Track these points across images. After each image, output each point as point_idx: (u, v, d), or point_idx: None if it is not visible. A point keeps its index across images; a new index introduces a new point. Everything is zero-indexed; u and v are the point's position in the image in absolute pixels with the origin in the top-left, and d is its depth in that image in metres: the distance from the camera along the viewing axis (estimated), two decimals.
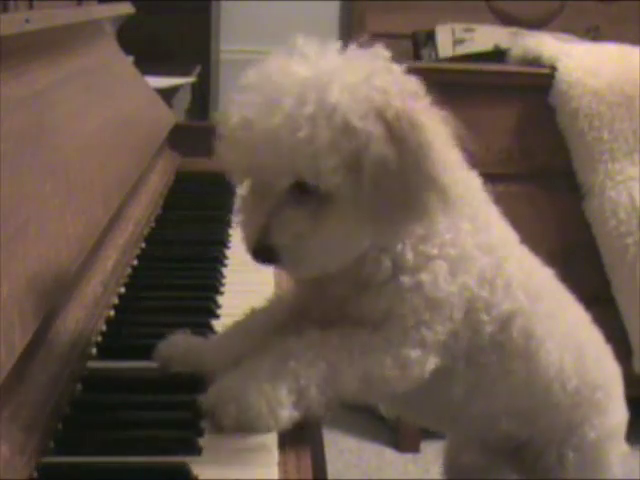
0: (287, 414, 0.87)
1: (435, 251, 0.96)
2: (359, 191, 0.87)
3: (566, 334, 1.13)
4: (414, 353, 0.95)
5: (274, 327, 1.00)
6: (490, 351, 1.05)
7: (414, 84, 0.92)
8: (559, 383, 1.12)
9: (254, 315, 1.03)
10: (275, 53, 0.92)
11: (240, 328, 1.01)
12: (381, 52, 0.93)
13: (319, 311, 0.99)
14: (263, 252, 0.89)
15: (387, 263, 0.94)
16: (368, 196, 0.87)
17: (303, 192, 0.87)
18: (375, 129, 0.86)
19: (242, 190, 0.95)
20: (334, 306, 0.97)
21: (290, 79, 0.87)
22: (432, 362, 0.98)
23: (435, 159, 0.88)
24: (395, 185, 0.87)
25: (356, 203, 0.88)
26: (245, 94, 0.89)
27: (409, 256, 0.95)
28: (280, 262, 0.89)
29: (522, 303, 1.05)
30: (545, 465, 1.19)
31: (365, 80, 0.88)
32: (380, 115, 0.87)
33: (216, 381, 0.90)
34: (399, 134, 0.87)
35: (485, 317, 1.02)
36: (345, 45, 0.93)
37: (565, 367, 1.11)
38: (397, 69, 0.93)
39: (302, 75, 0.88)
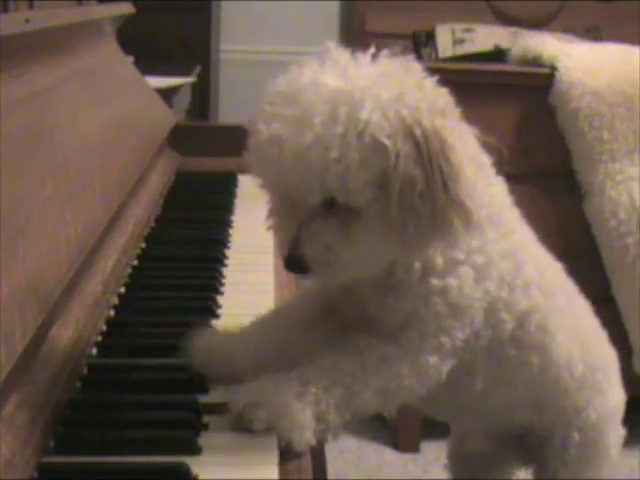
0: (310, 436, 0.88)
1: (462, 256, 0.97)
2: (387, 207, 0.88)
3: (573, 326, 1.17)
4: (432, 359, 0.97)
5: (303, 326, 1.01)
6: (509, 346, 1.07)
7: (444, 99, 0.93)
8: (567, 371, 1.15)
9: (280, 313, 1.03)
10: (307, 60, 0.92)
11: (270, 327, 1.01)
12: (414, 65, 0.93)
13: (343, 309, 1.00)
14: (294, 263, 0.90)
15: (417, 266, 0.96)
16: (395, 213, 0.88)
17: (332, 206, 0.88)
18: (404, 148, 0.87)
19: (271, 197, 0.96)
20: (357, 306, 0.98)
21: (322, 94, 0.87)
22: (448, 364, 0.99)
23: (462, 182, 0.89)
24: (421, 204, 0.88)
25: (383, 218, 0.88)
26: (275, 106, 0.89)
27: (438, 260, 0.96)
28: (310, 272, 0.90)
29: (538, 300, 1.08)
30: (550, 449, 1.21)
31: (397, 97, 0.88)
32: (409, 134, 0.87)
33: (239, 388, 0.90)
34: (427, 154, 0.87)
35: (505, 316, 1.04)
36: (375, 54, 0.93)
37: (573, 356, 1.15)
38: (428, 84, 0.93)
39: (334, 90, 0.87)
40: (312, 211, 0.89)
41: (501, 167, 1.03)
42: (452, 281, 0.97)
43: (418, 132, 0.87)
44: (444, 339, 0.97)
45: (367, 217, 0.88)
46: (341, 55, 0.92)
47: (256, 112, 0.91)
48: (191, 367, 0.95)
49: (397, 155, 0.86)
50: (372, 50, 0.93)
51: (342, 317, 1.01)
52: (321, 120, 0.85)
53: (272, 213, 0.95)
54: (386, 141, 0.86)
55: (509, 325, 1.05)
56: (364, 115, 0.86)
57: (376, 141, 0.86)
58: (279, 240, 0.93)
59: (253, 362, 0.96)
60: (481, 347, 1.04)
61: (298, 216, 0.90)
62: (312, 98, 0.87)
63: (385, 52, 0.93)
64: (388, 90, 0.88)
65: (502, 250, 1.02)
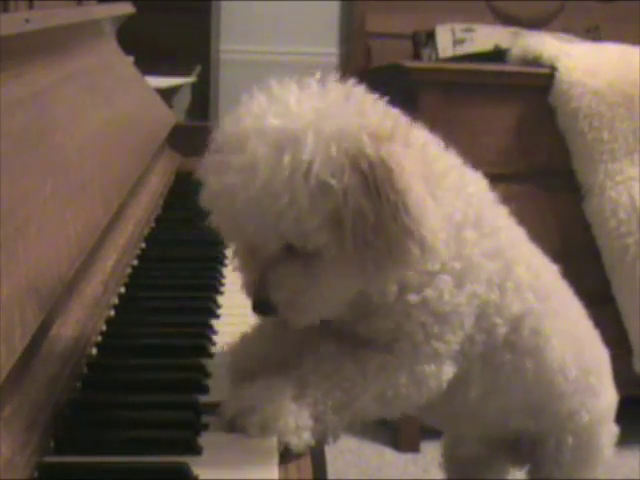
0: (308, 437, 0.88)
1: (437, 267, 0.96)
2: (344, 245, 0.87)
3: (568, 330, 1.16)
4: (428, 368, 0.97)
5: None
6: (504, 351, 1.07)
7: (390, 119, 0.91)
8: (562, 375, 1.15)
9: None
10: (251, 99, 0.91)
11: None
12: (355, 90, 0.92)
13: (335, 328, 0.99)
14: (262, 306, 0.90)
15: (393, 288, 0.95)
16: (350, 249, 0.87)
17: (292, 249, 0.88)
18: (351, 182, 0.85)
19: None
20: (347, 327, 0.98)
21: (265, 138, 0.86)
22: (448, 372, 0.99)
23: (412, 207, 0.87)
24: (375, 237, 0.87)
25: (343, 257, 0.88)
26: (222, 154, 0.88)
27: (411, 276, 0.95)
28: (279, 314, 0.90)
29: (531, 303, 1.07)
30: (543, 452, 1.22)
31: (338, 131, 0.86)
32: (355, 166, 0.86)
33: (235, 393, 0.90)
34: (374, 184, 0.86)
35: (498, 320, 1.04)
36: (322, 79, 0.92)
37: (567, 360, 1.15)
38: (370, 108, 0.91)
39: (277, 132, 0.86)
40: (273, 256, 0.89)
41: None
42: (430, 292, 0.96)
43: (363, 164, 0.86)
44: (437, 344, 0.97)
45: (327, 257, 0.88)
46: (284, 91, 0.90)
47: (205, 161, 0.90)
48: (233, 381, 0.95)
49: (345, 191, 0.85)
50: (317, 76, 0.92)
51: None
52: (267, 166, 0.84)
53: (236, 256, 0.95)
54: (331, 180, 0.85)
55: (502, 329, 1.05)
56: (306, 156, 0.85)
57: (322, 181, 0.85)
58: (244, 282, 0.93)
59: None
60: (476, 353, 1.04)
61: (260, 261, 0.90)
62: (256, 144, 0.86)
63: (333, 76, 0.92)
64: (329, 125, 0.87)
65: (486, 250, 1.01)
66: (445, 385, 0.99)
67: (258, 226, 0.86)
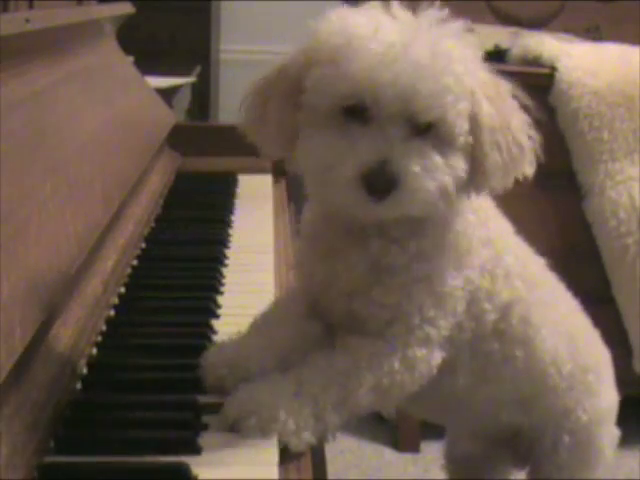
0: (309, 437, 0.88)
1: (451, 240, 0.99)
2: (470, 142, 0.92)
3: (559, 321, 1.16)
4: (419, 352, 0.97)
5: (298, 328, 1.00)
6: (492, 339, 1.07)
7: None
8: (555, 368, 1.14)
9: (276, 316, 1.02)
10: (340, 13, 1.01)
11: (273, 332, 1.00)
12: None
13: (327, 306, 1.00)
14: (382, 178, 0.88)
15: (413, 249, 0.96)
16: (484, 147, 0.93)
17: (428, 130, 0.90)
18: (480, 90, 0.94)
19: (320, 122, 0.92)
20: (342, 302, 0.98)
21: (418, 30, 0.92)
22: (438, 357, 0.99)
23: (518, 122, 0.97)
24: (503, 139, 0.94)
25: (466, 153, 0.92)
26: (379, 32, 0.91)
27: (427, 243, 0.97)
28: (395, 190, 0.88)
29: (520, 291, 1.07)
30: (540, 451, 1.21)
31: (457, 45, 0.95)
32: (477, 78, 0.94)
33: (234, 393, 0.90)
34: (490, 95, 0.94)
35: (487, 306, 1.04)
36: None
37: (559, 352, 1.14)
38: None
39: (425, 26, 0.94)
40: (408, 131, 0.89)
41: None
42: (434, 267, 0.97)
43: (482, 78, 0.94)
44: (429, 330, 0.97)
45: (455, 148, 0.91)
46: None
47: (345, 34, 0.97)
48: (209, 387, 0.94)
49: (480, 95, 0.93)
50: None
51: (327, 317, 1.01)
52: (442, 43, 0.92)
53: (336, 131, 0.91)
54: (471, 79, 0.93)
55: (491, 316, 1.05)
56: (461, 50, 0.94)
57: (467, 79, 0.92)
58: (345, 159, 0.89)
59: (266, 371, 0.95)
60: (465, 341, 1.04)
61: (387, 133, 0.89)
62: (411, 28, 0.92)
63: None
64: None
65: (481, 237, 1.02)
66: (435, 371, 0.99)
67: (433, 89, 0.88)
